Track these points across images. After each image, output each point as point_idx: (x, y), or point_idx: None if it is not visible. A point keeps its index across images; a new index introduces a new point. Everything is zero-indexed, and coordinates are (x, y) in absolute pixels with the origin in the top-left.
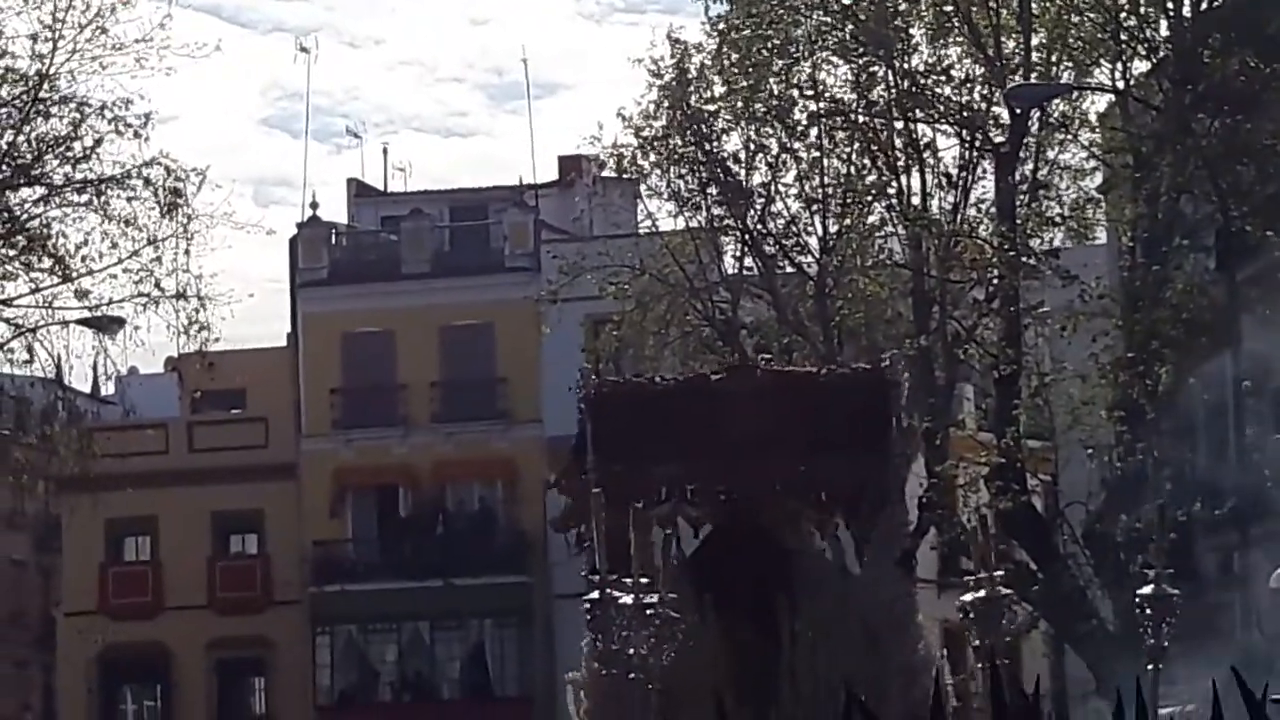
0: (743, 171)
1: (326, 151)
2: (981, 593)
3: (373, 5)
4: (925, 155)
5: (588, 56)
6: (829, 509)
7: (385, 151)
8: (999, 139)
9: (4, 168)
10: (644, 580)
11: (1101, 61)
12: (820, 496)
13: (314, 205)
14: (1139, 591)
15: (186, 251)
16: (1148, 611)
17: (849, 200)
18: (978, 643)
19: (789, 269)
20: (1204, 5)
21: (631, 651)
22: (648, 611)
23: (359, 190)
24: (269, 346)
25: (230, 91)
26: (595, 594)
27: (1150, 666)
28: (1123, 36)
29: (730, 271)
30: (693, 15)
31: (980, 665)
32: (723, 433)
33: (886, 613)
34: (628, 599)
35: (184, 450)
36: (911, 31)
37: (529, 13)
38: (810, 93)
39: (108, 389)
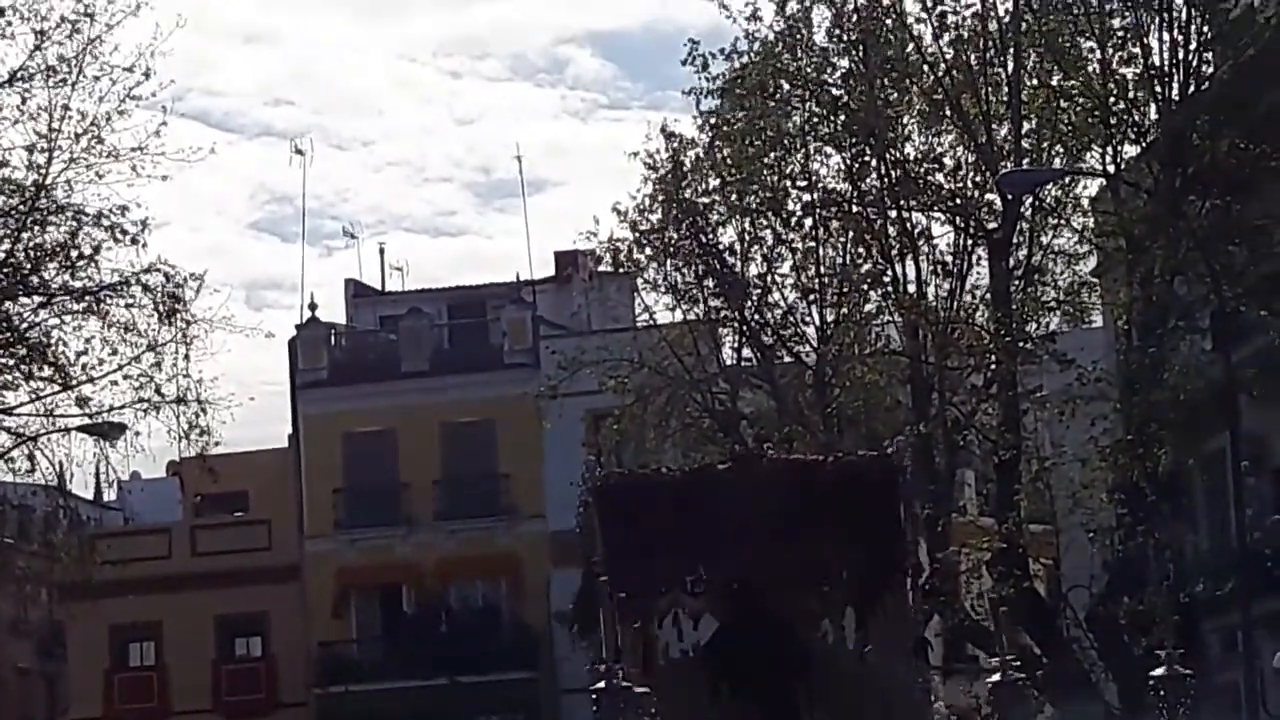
0: (739, 263)
1: (318, 254)
2: (997, 677)
3: (359, 108)
4: (920, 243)
5: (575, 153)
6: (838, 597)
7: (382, 251)
8: (992, 225)
9: (2, 277)
10: (643, 673)
11: (1092, 146)
12: (829, 584)
13: (313, 306)
14: (1152, 673)
15: (186, 356)
16: (1162, 693)
17: (845, 289)
18: None
19: (787, 359)
20: (1191, 88)
21: None
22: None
23: (357, 290)
24: (270, 448)
25: (220, 196)
26: (601, 683)
27: None
28: (1112, 121)
29: (729, 362)
30: (679, 110)
31: None
32: (730, 523)
33: (903, 698)
34: (641, 688)
35: (187, 554)
36: (903, 120)
37: (514, 112)
38: (804, 183)
39: (110, 495)
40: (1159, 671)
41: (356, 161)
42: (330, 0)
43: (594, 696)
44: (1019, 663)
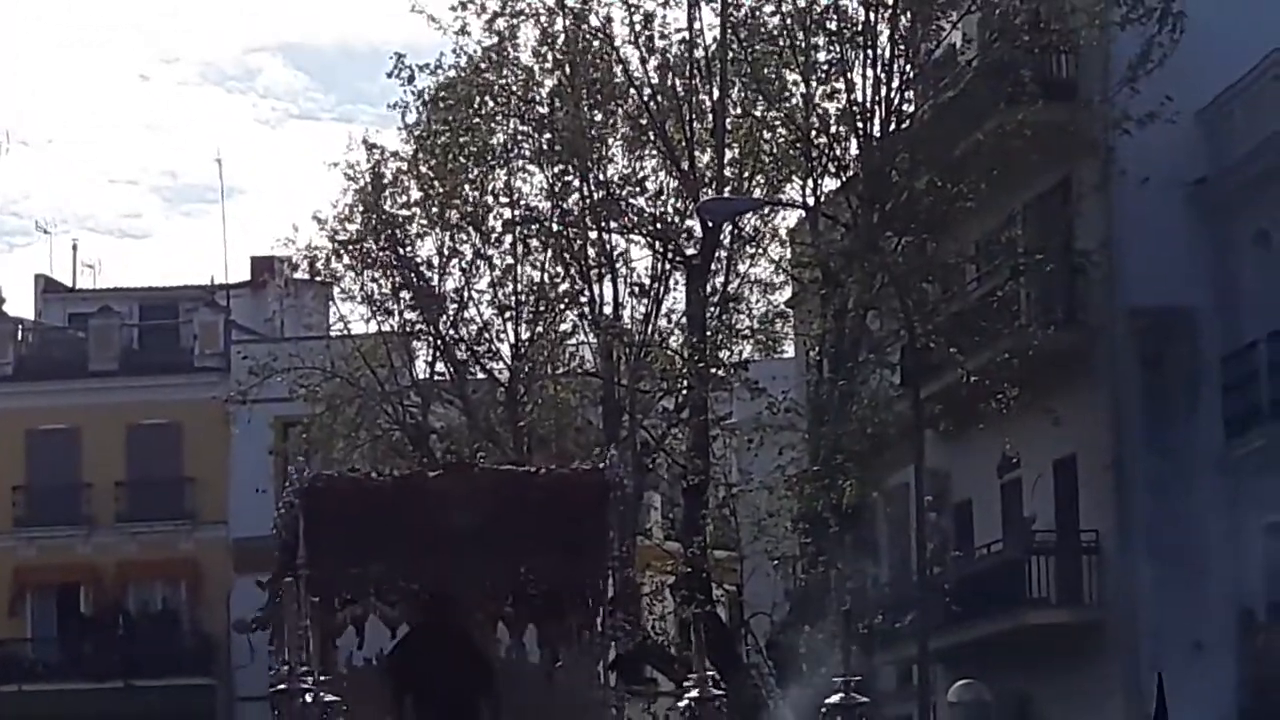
0: (436, 277)
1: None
2: (696, 693)
3: (46, 106)
4: (618, 265)
5: (266, 161)
6: (533, 610)
7: (75, 247)
8: (691, 251)
9: None
10: (331, 678)
11: (793, 177)
12: (525, 597)
13: (0, 300)
14: (827, 700)
15: None
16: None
17: (541, 307)
18: None
19: (481, 375)
20: (892, 126)
21: None
22: (330, 713)
23: (47, 286)
24: None
25: None
26: (282, 685)
27: None
28: (813, 154)
29: (422, 376)
30: (369, 122)
31: None
32: (437, 531)
33: (591, 714)
34: (308, 697)
35: None
36: (607, 142)
37: (205, 117)
38: (505, 200)
39: None
40: (834, 699)
41: (39, 159)
42: None
43: (273, 700)
44: (683, 684)
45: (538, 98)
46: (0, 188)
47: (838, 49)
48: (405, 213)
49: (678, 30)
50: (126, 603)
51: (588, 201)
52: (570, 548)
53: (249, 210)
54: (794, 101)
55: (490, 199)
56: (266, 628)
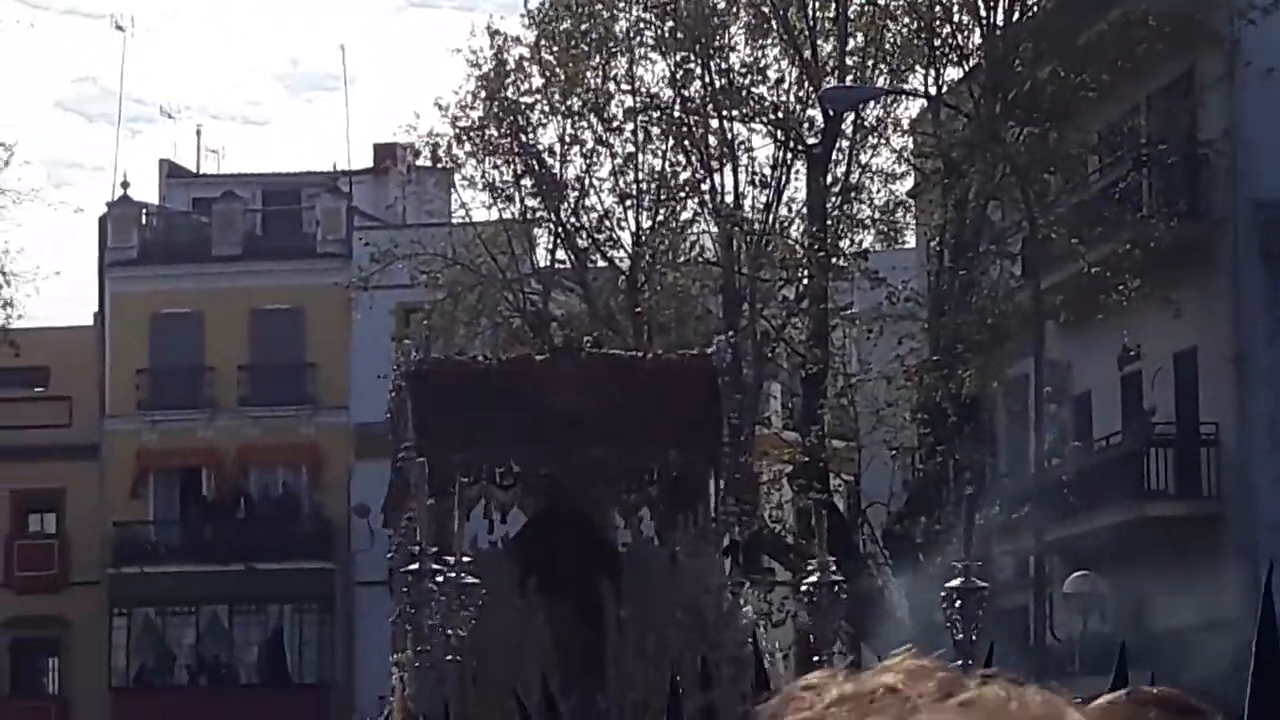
0: (557, 164)
1: (125, 135)
2: (816, 578)
3: None
4: (739, 154)
5: (386, 49)
6: (651, 495)
7: (199, 133)
8: (812, 140)
9: None
10: (465, 559)
11: (915, 67)
12: (642, 482)
13: (125, 185)
14: (947, 584)
15: None
16: (958, 604)
17: (662, 196)
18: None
19: (601, 263)
20: (1016, 15)
21: (450, 632)
22: (464, 592)
23: (171, 171)
24: (75, 325)
25: (21, 72)
26: (415, 565)
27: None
28: (936, 43)
29: (542, 264)
30: (490, 9)
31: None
32: (545, 415)
33: (714, 601)
34: (444, 576)
35: None
36: (729, 30)
37: (325, 6)
38: (627, 87)
39: None
40: (955, 583)
41: (161, 46)
42: None
43: (395, 580)
44: (802, 572)
45: None
46: (123, 72)
47: None
48: (527, 99)
49: None
50: (247, 486)
51: (709, 89)
52: (680, 434)
53: (370, 98)
54: None
55: (612, 86)
56: (384, 511)
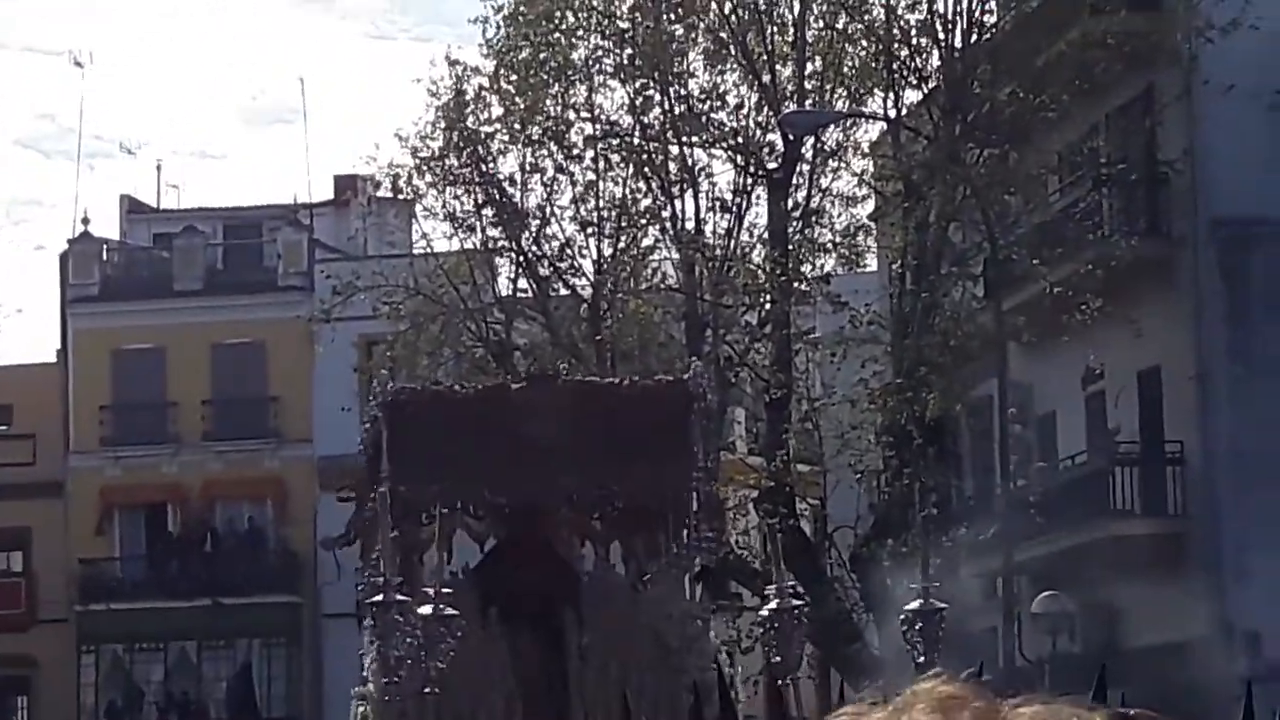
0: (518, 193)
1: (81, 171)
2: (774, 604)
3: (126, 26)
4: (700, 180)
5: (343, 81)
6: (620, 522)
7: (159, 167)
8: (773, 165)
9: None
10: (445, 591)
11: (874, 90)
12: (612, 509)
13: (85, 221)
14: (907, 607)
15: None
16: (918, 627)
17: (623, 223)
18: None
19: (563, 291)
20: (974, 37)
21: (425, 665)
22: (445, 624)
23: (131, 207)
24: (37, 363)
25: None
26: (380, 597)
27: None
28: (895, 66)
29: (505, 293)
30: (444, 42)
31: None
32: (521, 443)
33: (678, 629)
34: (426, 608)
35: None
36: (688, 56)
37: (281, 37)
38: (586, 115)
39: None
40: (913, 605)
41: (117, 81)
42: None
43: (365, 611)
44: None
45: (618, 12)
46: (82, 109)
47: None
48: (487, 129)
49: None
50: (213, 521)
51: (669, 116)
52: (654, 460)
53: (329, 130)
54: (875, 13)
55: (571, 114)
56: (353, 542)
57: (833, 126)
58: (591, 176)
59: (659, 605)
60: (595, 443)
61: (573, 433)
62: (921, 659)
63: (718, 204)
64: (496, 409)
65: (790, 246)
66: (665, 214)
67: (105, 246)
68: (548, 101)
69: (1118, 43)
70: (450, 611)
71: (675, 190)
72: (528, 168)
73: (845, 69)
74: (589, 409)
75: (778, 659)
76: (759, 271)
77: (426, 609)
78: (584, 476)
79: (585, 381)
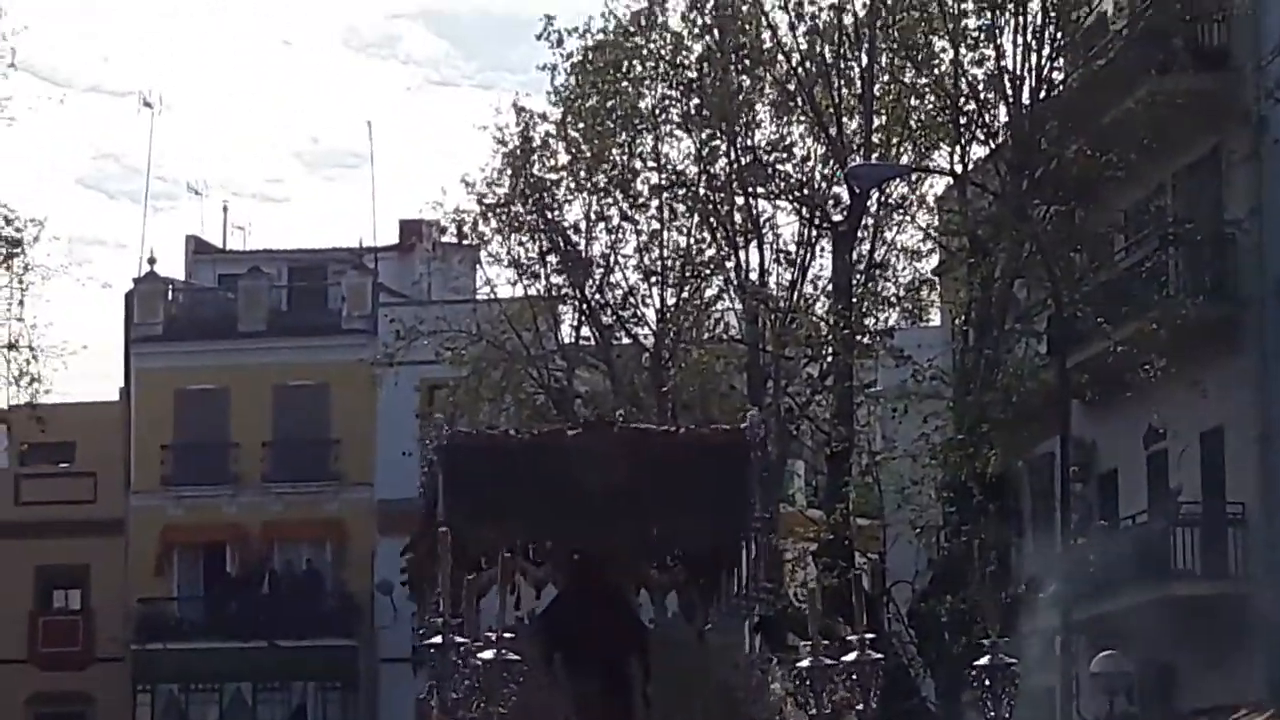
0: (583, 241)
1: (146, 211)
2: (808, 662)
3: (190, 69)
4: (764, 231)
5: (406, 127)
6: (682, 571)
7: (225, 209)
8: (838, 217)
9: None
10: (507, 635)
11: (941, 144)
12: (673, 558)
13: (152, 260)
14: (976, 663)
15: (21, 302)
16: (986, 683)
17: (687, 273)
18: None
19: (626, 340)
20: (1042, 93)
21: (486, 710)
22: (507, 669)
23: (198, 247)
24: (101, 400)
25: (45, 150)
26: (438, 638)
27: None
28: (962, 121)
29: (567, 340)
30: (509, 90)
31: None
32: (577, 490)
33: (743, 678)
34: (487, 653)
35: (10, 503)
36: (755, 107)
37: (345, 85)
38: (652, 164)
39: None
40: (983, 661)
41: (182, 123)
42: None
43: (422, 655)
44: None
45: (686, 62)
46: (149, 150)
47: (988, 15)
48: (553, 176)
49: None
50: (272, 562)
51: (734, 167)
52: (710, 508)
53: (391, 175)
54: (942, 68)
55: (637, 163)
56: (413, 586)
57: (898, 180)
58: (656, 226)
59: (724, 654)
60: (650, 490)
61: (628, 479)
62: (992, 714)
63: (782, 255)
64: (552, 454)
65: (854, 299)
66: (729, 264)
67: (170, 286)
68: (614, 150)
69: (1186, 102)
70: (512, 657)
71: (740, 241)
72: (593, 216)
73: (911, 123)
74: (644, 455)
75: (828, 709)
76: (822, 324)
77: (488, 654)
78: (639, 523)
79: (641, 428)
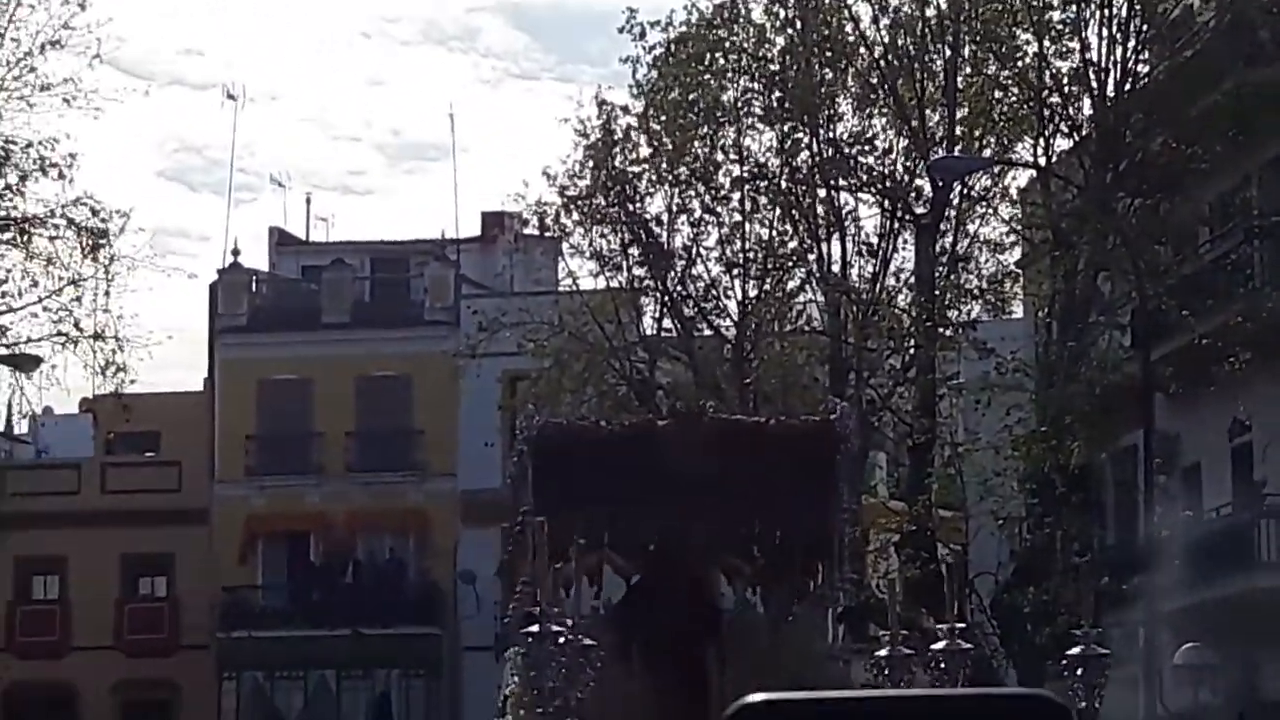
0: (665, 233)
1: (228, 204)
2: (886, 651)
3: (270, 62)
4: (846, 223)
5: (485, 120)
6: (766, 561)
7: (308, 201)
8: (920, 210)
9: None
10: (583, 619)
11: (1024, 137)
12: (758, 547)
13: (235, 252)
14: (1069, 652)
15: (107, 293)
16: (1078, 672)
17: (769, 265)
18: None
19: (707, 331)
20: (1127, 86)
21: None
22: (583, 654)
23: (281, 239)
24: (185, 390)
25: (127, 142)
26: (535, 628)
27: None
28: (1046, 113)
29: (649, 332)
30: (588, 83)
31: None
32: (666, 479)
33: (818, 667)
34: (563, 638)
35: (96, 491)
36: (837, 100)
37: (425, 76)
38: (735, 157)
39: (21, 428)
40: (1075, 650)
41: (264, 116)
42: None
43: (513, 640)
44: (908, 639)
45: (768, 55)
46: (232, 143)
47: (1072, 8)
48: (635, 169)
49: None
50: (355, 551)
51: (816, 159)
52: (799, 499)
53: (472, 168)
54: (1026, 61)
55: (719, 156)
56: (507, 574)
57: (981, 173)
58: (738, 218)
59: (800, 645)
60: (740, 481)
61: (718, 470)
62: (1083, 704)
63: (864, 248)
64: (642, 445)
65: (936, 292)
66: (811, 256)
67: (254, 278)
68: (696, 143)
69: (1272, 94)
70: (588, 642)
71: (822, 233)
72: (675, 208)
73: (995, 115)
74: (734, 447)
75: None
76: (904, 316)
77: (563, 638)
78: (729, 513)
79: (731, 419)
